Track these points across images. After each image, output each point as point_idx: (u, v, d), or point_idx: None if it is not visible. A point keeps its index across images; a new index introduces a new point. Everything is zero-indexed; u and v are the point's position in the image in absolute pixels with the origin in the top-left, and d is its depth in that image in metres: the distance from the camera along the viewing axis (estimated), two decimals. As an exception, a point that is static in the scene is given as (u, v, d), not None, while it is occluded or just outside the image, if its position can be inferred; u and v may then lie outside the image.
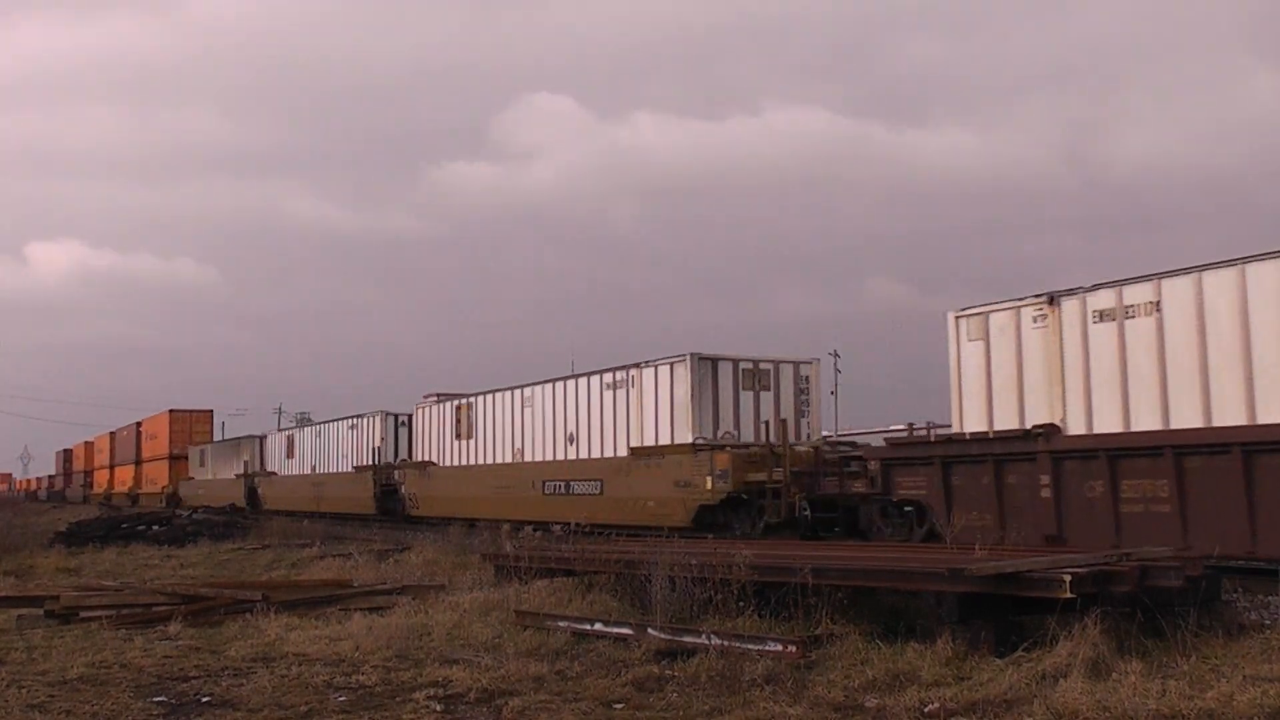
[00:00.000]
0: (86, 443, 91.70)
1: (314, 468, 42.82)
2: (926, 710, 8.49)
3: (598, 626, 12.22)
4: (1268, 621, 11.20)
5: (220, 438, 64.39)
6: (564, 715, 8.77)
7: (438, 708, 9.17)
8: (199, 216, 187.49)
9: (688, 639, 11.18)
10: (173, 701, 9.78)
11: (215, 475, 52.87)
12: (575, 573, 15.05)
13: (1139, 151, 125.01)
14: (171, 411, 61.43)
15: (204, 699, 9.84)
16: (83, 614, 14.54)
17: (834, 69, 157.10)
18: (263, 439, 50.74)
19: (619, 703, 9.20)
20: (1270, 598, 11.85)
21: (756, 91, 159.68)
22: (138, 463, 67.64)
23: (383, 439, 37.11)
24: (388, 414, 37.63)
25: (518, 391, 28.23)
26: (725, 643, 10.68)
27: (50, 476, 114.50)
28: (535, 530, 21.98)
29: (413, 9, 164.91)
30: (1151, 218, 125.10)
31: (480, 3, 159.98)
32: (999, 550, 12.89)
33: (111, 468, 76.35)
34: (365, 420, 38.45)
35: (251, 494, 47.19)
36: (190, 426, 61.57)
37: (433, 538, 25.67)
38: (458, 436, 31.26)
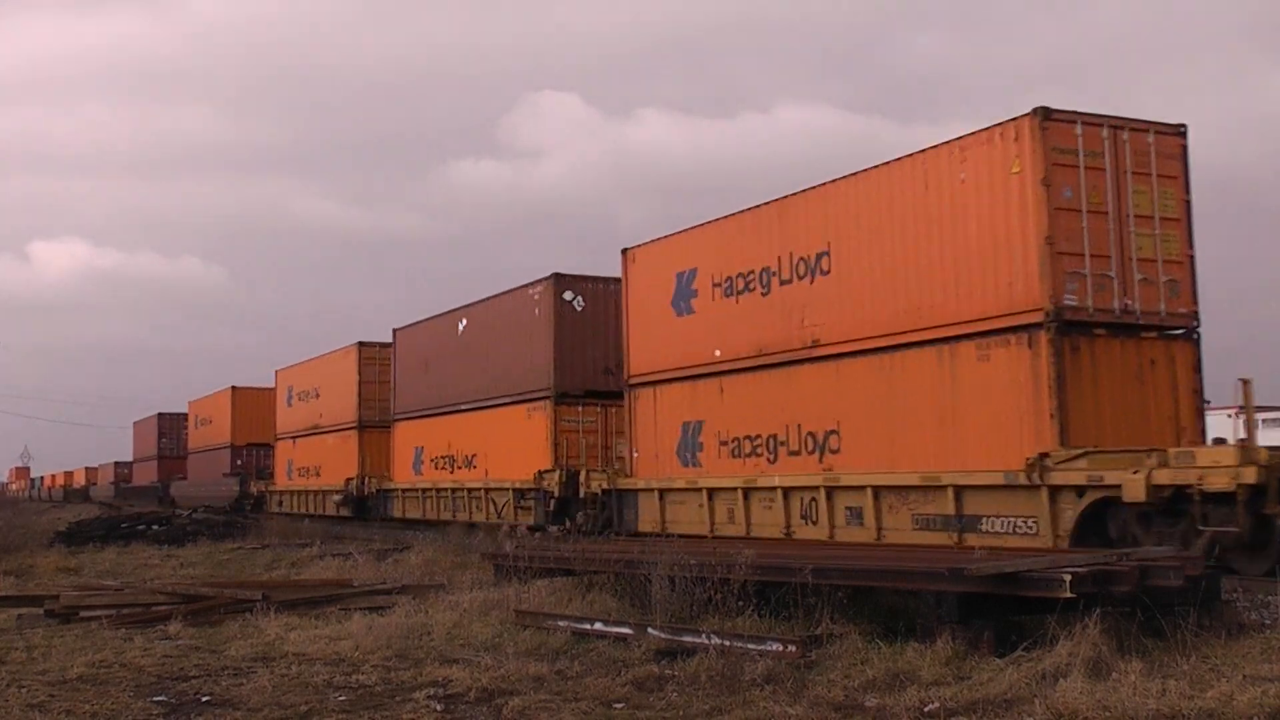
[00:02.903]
0: (238, 389, 47.69)
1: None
2: (926, 710, 8.49)
3: (598, 626, 12.23)
4: (1268, 621, 11.18)
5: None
6: (564, 715, 8.77)
7: (438, 707, 9.17)
8: (204, 215, 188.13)
9: (688, 639, 11.18)
10: (173, 701, 9.78)
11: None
12: (575, 572, 15.05)
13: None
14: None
15: (204, 698, 9.84)
16: (83, 614, 14.55)
17: (843, 66, 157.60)
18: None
19: (619, 702, 9.19)
20: (1270, 598, 11.82)
21: (765, 89, 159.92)
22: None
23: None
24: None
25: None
26: (725, 642, 10.67)
27: (119, 465, 74.65)
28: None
29: (417, 7, 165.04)
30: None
31: (485, 1, 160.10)
32: (999, 550, 12.90)
33: (363, 429, 35.23)
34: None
35: None
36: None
37: (432, 537, 25.69)
38: None
